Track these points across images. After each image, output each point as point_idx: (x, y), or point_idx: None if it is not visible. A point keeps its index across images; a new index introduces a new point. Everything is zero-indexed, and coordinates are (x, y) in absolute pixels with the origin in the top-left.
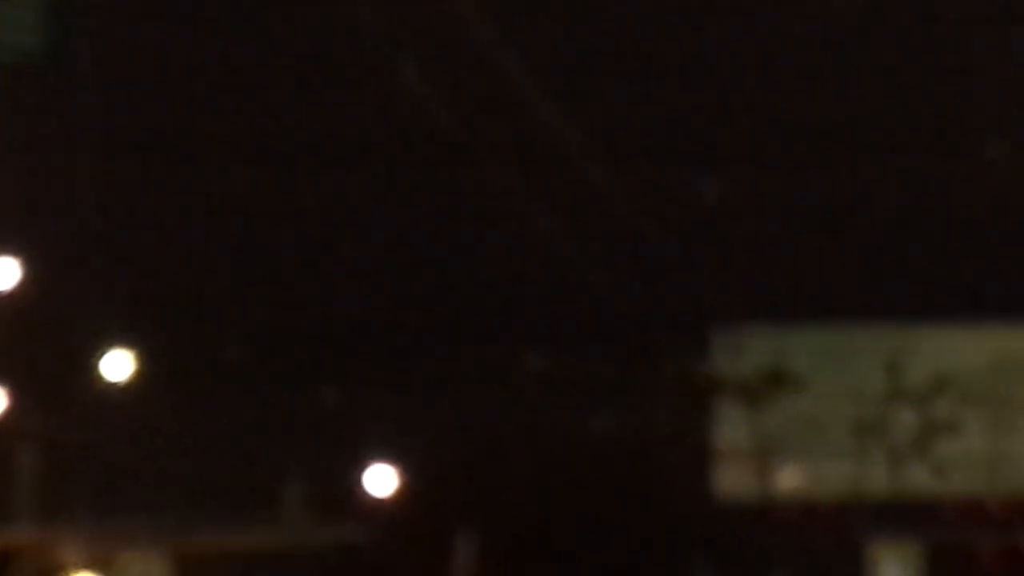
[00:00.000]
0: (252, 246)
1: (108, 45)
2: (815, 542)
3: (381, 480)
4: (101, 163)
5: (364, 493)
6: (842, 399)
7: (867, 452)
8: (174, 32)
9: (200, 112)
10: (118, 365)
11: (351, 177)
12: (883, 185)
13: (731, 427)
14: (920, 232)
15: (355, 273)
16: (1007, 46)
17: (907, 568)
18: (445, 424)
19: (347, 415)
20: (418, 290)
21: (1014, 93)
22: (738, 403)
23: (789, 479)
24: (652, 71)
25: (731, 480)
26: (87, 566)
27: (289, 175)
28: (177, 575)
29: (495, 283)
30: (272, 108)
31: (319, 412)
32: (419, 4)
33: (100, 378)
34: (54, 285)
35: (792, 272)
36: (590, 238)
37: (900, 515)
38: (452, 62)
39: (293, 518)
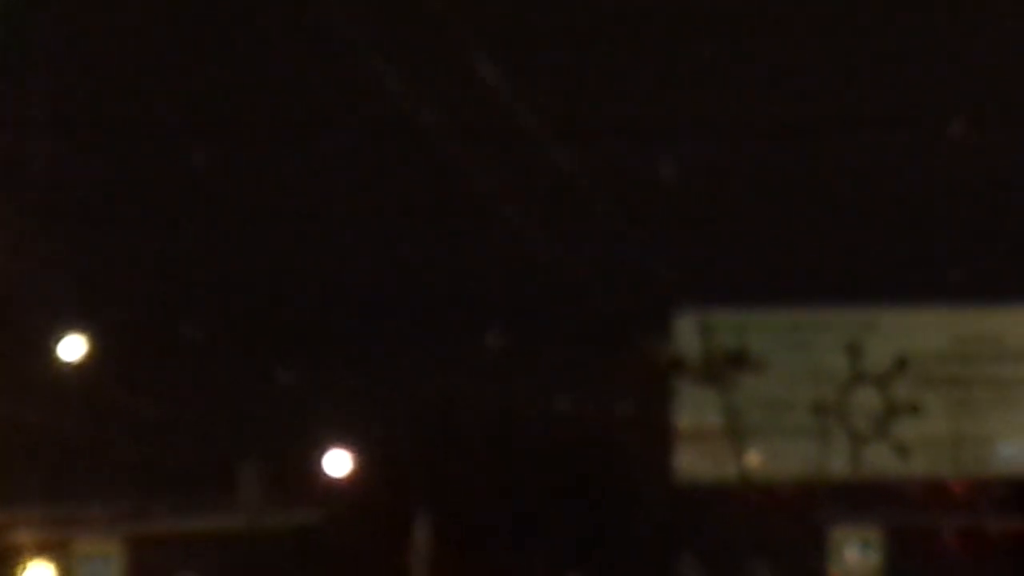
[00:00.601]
0: (208, 226)
1: (62, 24)
2: (776, 524)
3: (338, 462)
4: (55, 143)
5: (321, 475)
6: (803, 380)
7: (829, 433)
8: (131, 12)
9: (155, 91)
10: (72, 346)
11: (309, 157)
12: (845, 165)
13: (692, 408)
14: (882, 212)
15: (312, 253)
16: (971, 24)
17: (868, 550)
18: (403, 405)
19: (304, 396)
20: (376, 270)
21: (978, 73)
22: (699, 384)
23: (750, 461)
24: (614, 48)
25: (692, 461)
26: (41, 550)
27: (247, 154)
28: (132, 559)
29: (454, 262)
30: (227, 87)
31: (275, 393)
32: None
33: (55, 359)
34: (6, 266)
35: (754, 253)
36: (550, 217)
37: (862, 497)
38: (410, 40)
39: (249, 501)
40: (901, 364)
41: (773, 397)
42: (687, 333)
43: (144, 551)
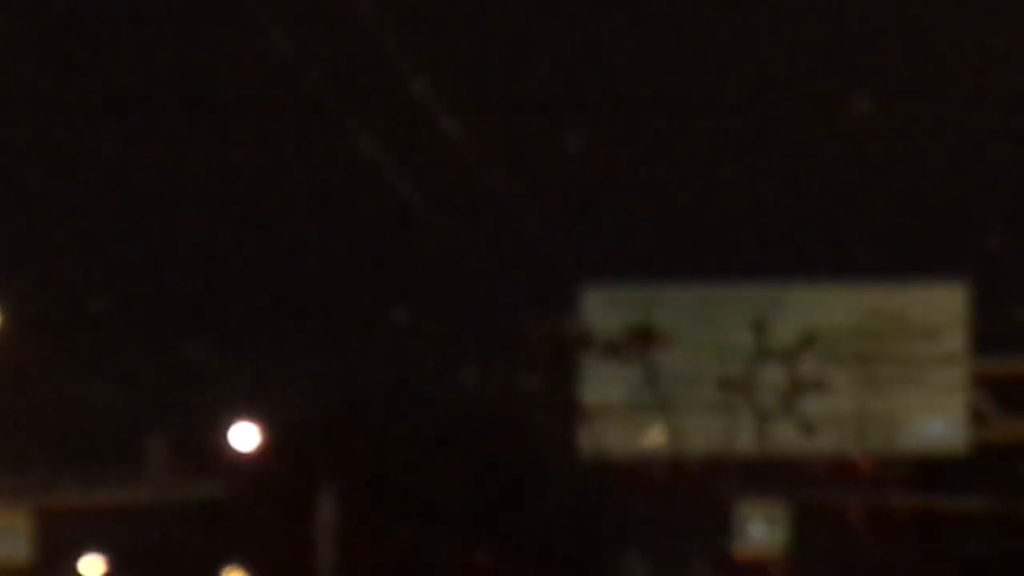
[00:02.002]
0: (116, 203)
1: None
2: (681, 499)
3: (244, 436)
4: None
5: (227, 449)
6: (710, 356)
7: (734, 410)
8: None
9: (67, 63)
10: None
11: (216, 130)
12: (752, 141)
13: (598, 384)
14: (788, 189)
15: (221, 227)
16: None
17: (774, 526)
18: (308, 380)
19: (210, 371)
20: (283, 245)
21: (880, 47)
22: (606, 360)
23: (656, 436)
24: (517, 22)
25: (598, 437)
26: None
27: (156, 128)
28: (40, 531)
29: (359, 239)
30: (138, 60)
31: (182, 368)
32: None
33: None
34: None
35: (661, 228)
36: (455, 193)
37: (767, 473)
38: (308, 8)
39: (156, 474)
40: (807, 341)
41: (679, 373)
42: (594, 308)
43: (52, 523)
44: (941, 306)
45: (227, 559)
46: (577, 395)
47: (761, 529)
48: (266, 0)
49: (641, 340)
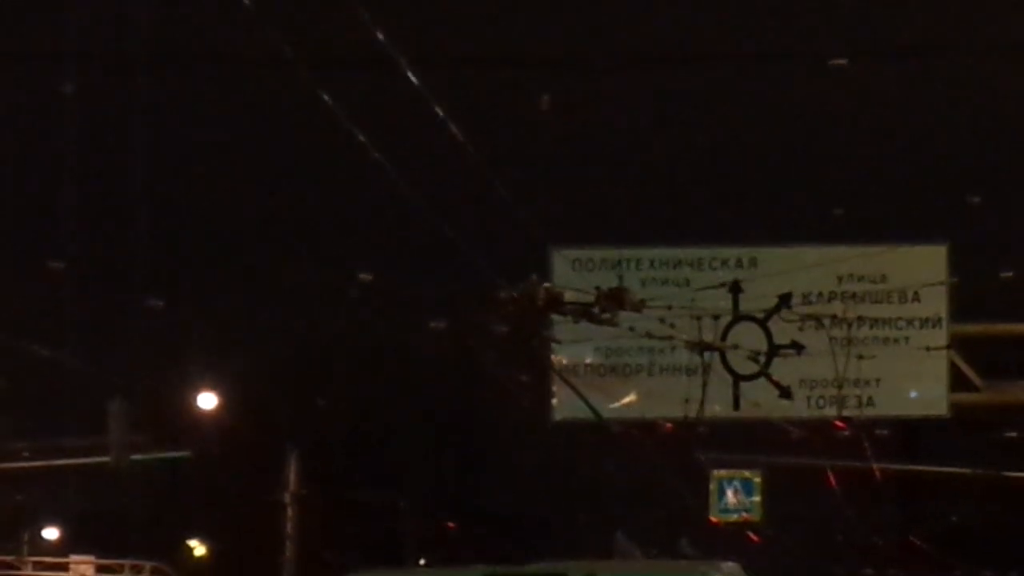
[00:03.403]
0: (73, 155)
1: None
2: (655, 463)
3: (206, 398)
4: None
5: (190, 411)
6: (684, 318)
7: (709, 373)
8: None
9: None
10: None
11: (177, 83)
12: (727, 100)
13: (570, 346)
14: (764, 148)
15: (181, 188)
16: None
17: (748, 489)
18: (272, 341)
19: (172, 332)
20: (245, 207)
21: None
22: (577, 321)
23: (629, 400)
24: None
25: (569, 399)
26: None
27: (116, 83)
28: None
29: (324, 198)
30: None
31: (144, 329)
32: None
33: None
34: None
35: (634, 189)
36: (423, 152)
37: (742, 437)
38: None
39: (117, 437)
40: (783, 303)
41: (652, 335)
42: (565, 269)
43: (9, 488)
44: (922, 268)
45: (189, 523)
46: (547, 357)
47: (736, 492)
48: None
49: (613, 301)
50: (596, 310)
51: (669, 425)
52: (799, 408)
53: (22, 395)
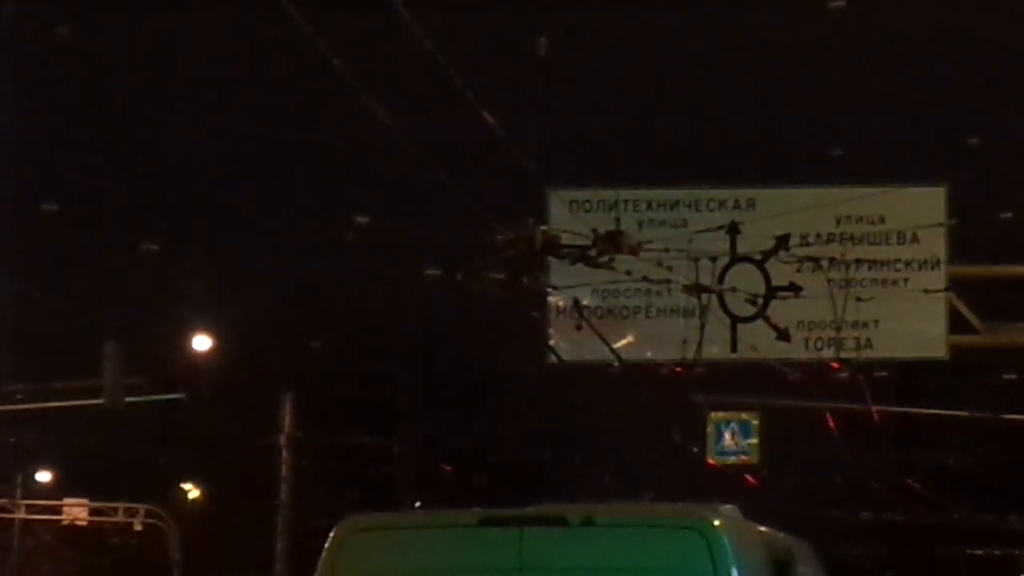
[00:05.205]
0: (71, 102)
1: None
2: (653, 405)
3: (201, 341)
4: None
5: (185, 354)
6: (681, 260)
7: (706, 315)
8: None
9: None
10: None
11: (177, 32)
12: (725, 40)
13: (567, 289)
14: (763, 89)
15: (178, 135)
16: None
17: (746, 431)
18: (269, 284)
19: (168, 274)
20: (248, 148)
21: None
22: (574, 264)
23: (627, 342)
24: None
25: (567, 342)
26: None
27: (113, 31)
28: None
29: (320, 143)
30: None
31: (140, 271)
32: None
33: None
34: None
35: (631, 129)
36: (418, 96)
37: (740, 379)
38: None
39: (112, 380)
40: (781, 244)
41: (650, 278)
42: (561, 211)
43: (3, 430)
44: (920, 209)
45: (183, 466)
46: (544, 300)
47: (734, 434)
48: None
49: (610, 244)
50: (593, 252)
51: (667, 368)
52: (797, 350)
53: (17, 338)
